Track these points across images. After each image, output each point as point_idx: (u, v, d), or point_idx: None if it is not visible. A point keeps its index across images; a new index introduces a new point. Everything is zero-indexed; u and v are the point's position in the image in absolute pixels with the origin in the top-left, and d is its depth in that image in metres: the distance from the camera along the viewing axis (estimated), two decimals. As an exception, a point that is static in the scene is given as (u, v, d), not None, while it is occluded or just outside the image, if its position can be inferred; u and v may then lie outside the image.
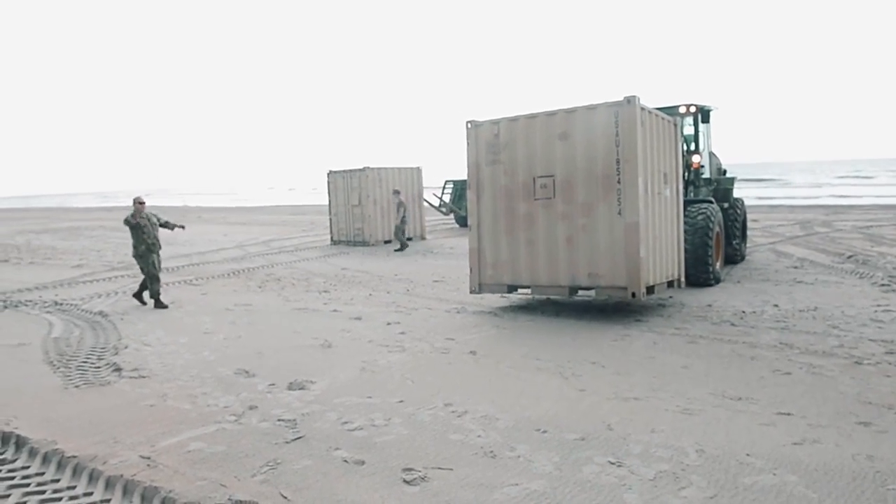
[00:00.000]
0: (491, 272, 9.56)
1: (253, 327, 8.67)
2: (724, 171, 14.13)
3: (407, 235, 19.43)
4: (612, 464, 4.13)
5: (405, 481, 3.95)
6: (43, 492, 3.95)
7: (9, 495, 3.91)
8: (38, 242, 22.40)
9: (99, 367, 6.74)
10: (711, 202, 11.65)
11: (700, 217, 10.98)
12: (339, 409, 5.27)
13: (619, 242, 8.38)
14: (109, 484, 3.95)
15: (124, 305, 10.45)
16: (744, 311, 8.79)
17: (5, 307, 10.46)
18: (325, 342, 7.67)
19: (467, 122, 9.70)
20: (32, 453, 4.45)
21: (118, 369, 6.61)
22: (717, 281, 11.17)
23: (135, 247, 10.40)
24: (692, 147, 12.65)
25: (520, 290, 9.62)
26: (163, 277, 11.66)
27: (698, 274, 10.83)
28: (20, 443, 4.60)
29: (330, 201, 21.40)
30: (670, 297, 10.03)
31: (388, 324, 8.72)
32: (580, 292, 9.12)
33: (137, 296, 10.55)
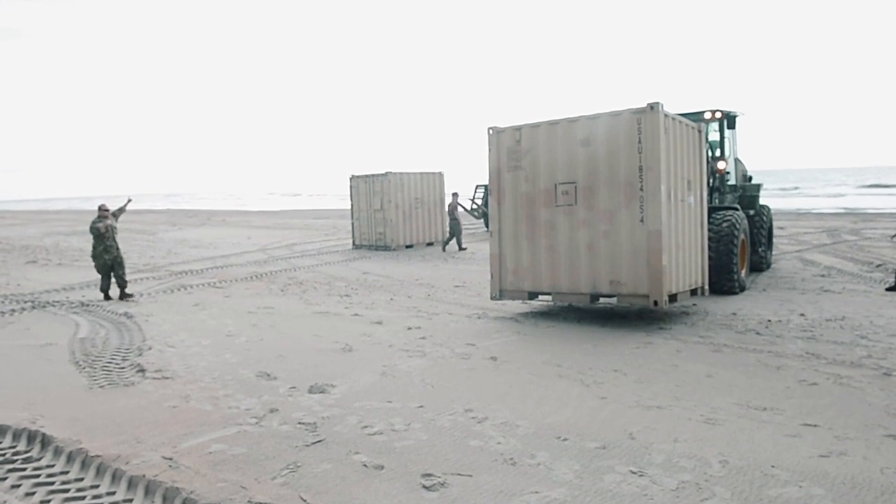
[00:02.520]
0: (512, 278, 9.53)
1: (275, 330, 8.72)
2: (750, 178, 13.94)
3: (446, 239, 19.78)
4: (634, 473, 4.08)
5: (424, 487, 3.94)
6: (67, 490, 4.00)
7: (34, 493, 3.97)
8: (66, 244, 22.78)
9: (123, 368, 6.83)
10: (737, 209, 11.51)
11: (725, 224, 10.85)
12: (360, 413, 5.28)
13: (642, 250, 8.30)
14: (132, 484, 3.99)
15: (149, 307, 10.59)
16: (769, 320, 8.66)
17: (33, 307, 10.65)
18: (346, 346, 7.69)
19: (489, 129, 9.70)
20: (57, 452, 4.51)
21: (142, 370, 6.68)
22: (742, 289, 11.03)
23: (94, 247, 11.48)
24: (717, 153, 12.47)
25: (540, 297, 9.57)
26: (187, 280, 12.95)
27: (722, 282, 10.70)
28: (46, 441, 4.66)
29: (352, 206, 21.50)
30: (694, 304, 9.91)
31: (409, 328, 8.72)
32: (602, 299, 9.04)
33: (105, 294, 11.55)
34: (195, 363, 7.01)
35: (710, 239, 10.38)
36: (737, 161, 13.28)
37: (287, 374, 6.51)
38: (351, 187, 21.51)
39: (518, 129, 9.40)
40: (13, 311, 10.35)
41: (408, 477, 4.08)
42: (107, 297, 11.42)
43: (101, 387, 6.17)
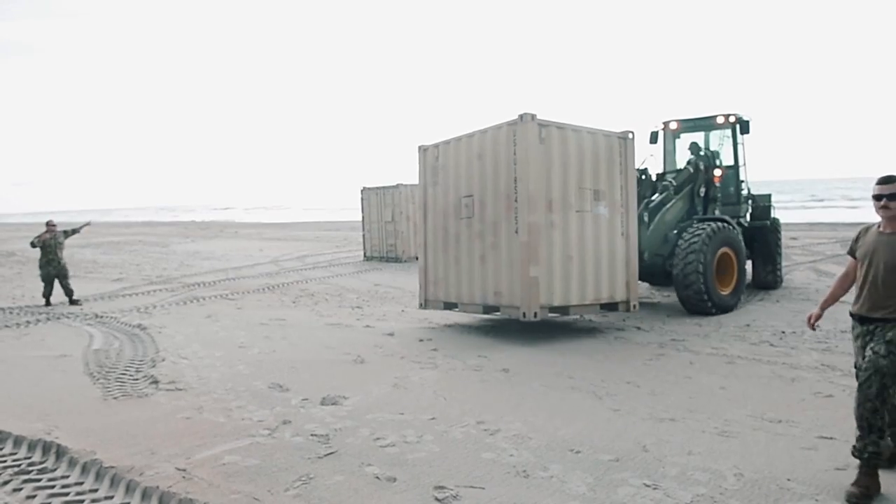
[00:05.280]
0: (432, 289, 9.96)
1: (287, 342, 8.75)
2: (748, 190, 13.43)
3: None
4: (648, 486, 4.05)
5: (437, 499, 3.93)
6: (82, 501, 4.01)
7: (49, 504, 3.99)
8: (80, 256, 22.99)
9: (137, 380, 6.86)
10: (724, 221, 10.81)
11: (695, 239, 10.09)
12: (372, 425, 5.28)
13: (517, 261, 8.33)
14: (146, 495, 4.00)
15: (162, 319, 10.65)
16: (783, 332, 8.60)
17: (48, 319, 10.74)
18: (358, 358, 7.70)
19: (419, 147, 10.16)
20: (72, 463, 4.53)
21: (155, 381, 6.72)
22: (724, 309, 10.21)
23: (39, 259, 12.61)
24: (723, 161, 12.14)
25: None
26: (199, 291, 13.36)
27: (691, 300, 10.08)
28: (61, 452, 4.69)
29: (363, 217, 21.58)
30: (625, 319, 9.82)
31: (421, 340, 8.72)
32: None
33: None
34: (208, 374, 7.04)
35: (675, 254, 10.14)
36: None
37: (299, 385, 6.53)
38: (362, 199, 21.61)
39: (437, 146, 9.79)
40: (28, 322, 10.44)
41: (420, 489, 4.07)
42: (48, 304, 12.35)
43: (115, 398, 6.21)
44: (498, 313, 8.99)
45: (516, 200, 8.31)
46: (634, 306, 9.39)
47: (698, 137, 12.59)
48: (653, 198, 11.25)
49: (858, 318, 4.01)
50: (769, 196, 13.26)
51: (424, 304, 10.14)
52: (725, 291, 10.49)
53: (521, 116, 8.25)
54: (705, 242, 10.06)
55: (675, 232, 10.78)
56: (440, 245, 9.75)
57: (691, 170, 11.41)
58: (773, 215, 13.02)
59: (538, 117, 8.31)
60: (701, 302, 10.01)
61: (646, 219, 10.63)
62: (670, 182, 11.36)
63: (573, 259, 8.69)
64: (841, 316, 9.31)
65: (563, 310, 8.72)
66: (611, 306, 9.23)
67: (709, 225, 10.44)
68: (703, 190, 11.40)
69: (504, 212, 8.50)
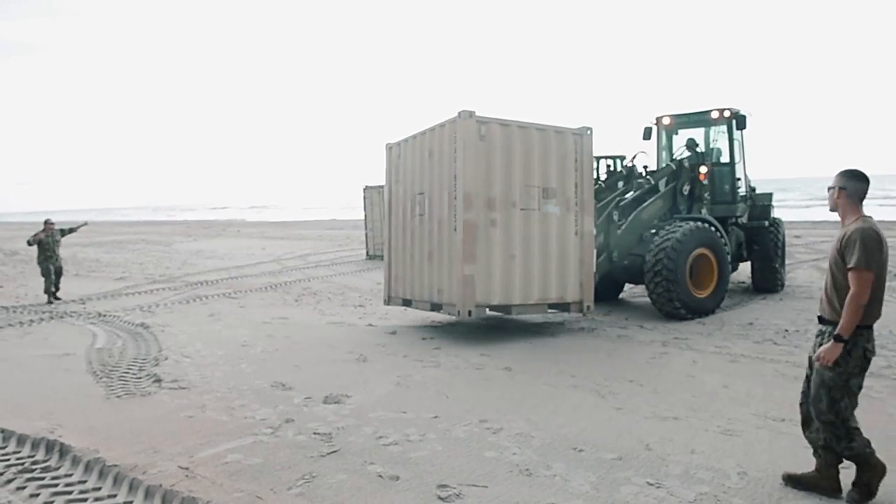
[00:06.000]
0: (394, 285, 10.03)
1: (289, 340, 8.75)
2: (752, 188, 12.84)
3: None
4: (651, 485, 4.05)
5: (440, 498, 3.93)
6: (85, 500, 4.02)
7: (52, 502, 3.99)
8: (83, 255, 23.00)
9: (140, 378, 6.87)
10: (704, 220, 10.37)
11: (667, 240, 9.69)
12: (374, 424, 5.28)
13: (456, 259, 8.31)
14: (149, 493, 4.01)
15: (165, 317, 10.66)
16: (786, 330, 8.58)
17: (52, 318, 10.76)
18: (361, 356, 7.70)
19: (385, 144, 10.24)
20: (75, 461, 4.54)
21: (158, 380, 6.72)
22: (700, 313, 9.77)
23: (38, 255, 12.95)
24: (722, 158, 11.82)
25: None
26: (202, 290, 13.49)
27: (659, 302, 9.75)
28: (64, 451, 4.70)
29: (366, 216, 21.57)
30: (581, 318, 9.78)
31: (423, 339, 8.72)
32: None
33: (50, 295, 12.84)
34: (211, 373, 7.05)
35: (647, 254, 9.85)
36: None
37: (302, 384, 6.53)
38: (364, 198, 21.60)
39: (399, 143, 9.88)
40: (32, 321, 10.46)
41: (423, 488, 4.07)
42: (51, 299, 12.73)
43: (119, 397, 6.22)
44: (442, 311, 8.92)
45: (455, 198, 8.34)
46: (588, 307, 9.08)
47: (696, 133, 12.23)
48: (626, 196, 11.00)
49: (818, 317, 3.88)
50: (770, 195, 12.79)
51: (388, 301, 10.22)
52: (702, 294, 10.02)
53: (459, 113, 8.23)
54: (679, 242, 9.66)
55: (654, 231, 10.44)
56: (400, 242, 9.88)
57: (673, 167, 11.10)
58: (773, 215, 12.54)
59: (477, 114, 8.25)
60: (669, 303, 9.66)
61: (615, 218, 10.38)
62: (647, 180, 11.09)
63: (516, 258, 8.54)
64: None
65: (505, 309, 8.65)
66: (562, 307, 9.03)
67: (685, 224, 10.02)
68: (686, 188, 11.00)
69: (447, 209, 8.48)
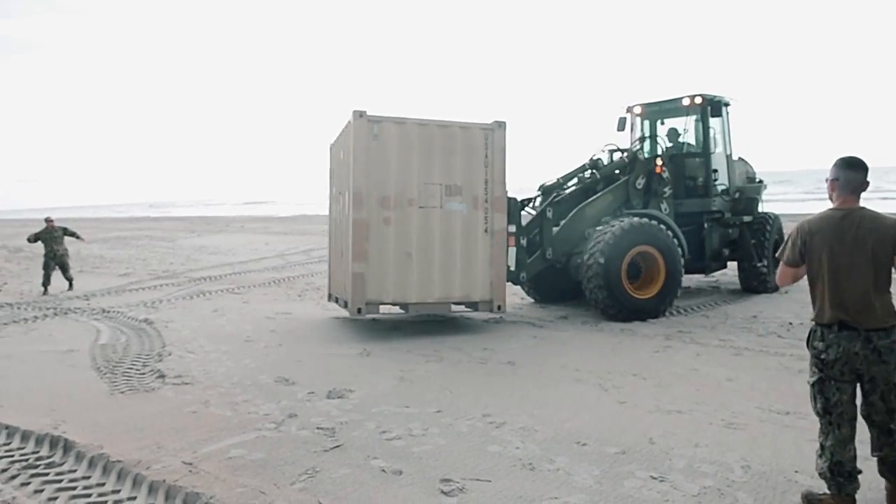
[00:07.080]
0: (330, 282, 10.44)
1: (293, 335, 8.76)
2: (759, 181, 12.18)
3: None
4: (655, 478, 4.04)
5: (443, 492, 3.93)
6: (89, 495, 4.03)
7: (56, 498, 4.00)
8: (87, 251, 23.05)
9: (144, 374, 6.88)
10: (650, 216, 9.73)
11: (600, 238, 9.24)
12: (378, 419, 5.28)
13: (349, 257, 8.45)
14: (152, 489, 4.01)
15: (169, 313, 10.68)
16: (790, 323, 8.56)
17: (55, 314, 10.78)
18: (364, 351, 7.70)
19: (329, 144, 10.52)
20: (79, 457, 4.55)
21: (162, 376, 6.73)
22: (643, 314, 9.24)
23: (45, 253, 13.84)
24: (701, 147, 11.03)
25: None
26: (206, 286, 13.70)
27: (595, 303, 9.31)
28: (68, 446, 4.71)
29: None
30: (487, 319, 9.67)
31: (426, 333, 8.72)
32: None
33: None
34: (214, 369, 7.05)
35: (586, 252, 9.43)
36: (730, 158, 11.43)
37: (305, 379, 6.53)
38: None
39: (332, 143, 10.25)
40: (36, 317, 10.48)
41: (426, 482, 4.07)
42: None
43: (122, 392, 6.23)
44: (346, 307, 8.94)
45: (349, 196, 8.47)
46: (499, 307, 8.78)
47: (676, 123, 11.54)
48: (564, 191, 10.65)
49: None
50: (758, 188, 11.98)
51: (329, 298, 10.48)
52: (645, 295, 9.43)
53: (352, 113, 8.29)
54: (614, 238, 9.15)
55: (599, 228, 9.76)
56: (330, 241, 10.31)
57: (626, 159, 10.58)
58: (761, 209, 11.86)
59: (368, 113, 8.26)
60: (602, 302, 9.20)
61: (549, 215, 10.00)
62: (593, 173, 10.71)
63: (412, 256, 8.45)
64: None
65: (402, 306, 8.71)
66: (469, 305, 8.90)
67: (623, 220, 9.44)
68: (641, 181, 10.39)
69: (351, 208, 8.53)
